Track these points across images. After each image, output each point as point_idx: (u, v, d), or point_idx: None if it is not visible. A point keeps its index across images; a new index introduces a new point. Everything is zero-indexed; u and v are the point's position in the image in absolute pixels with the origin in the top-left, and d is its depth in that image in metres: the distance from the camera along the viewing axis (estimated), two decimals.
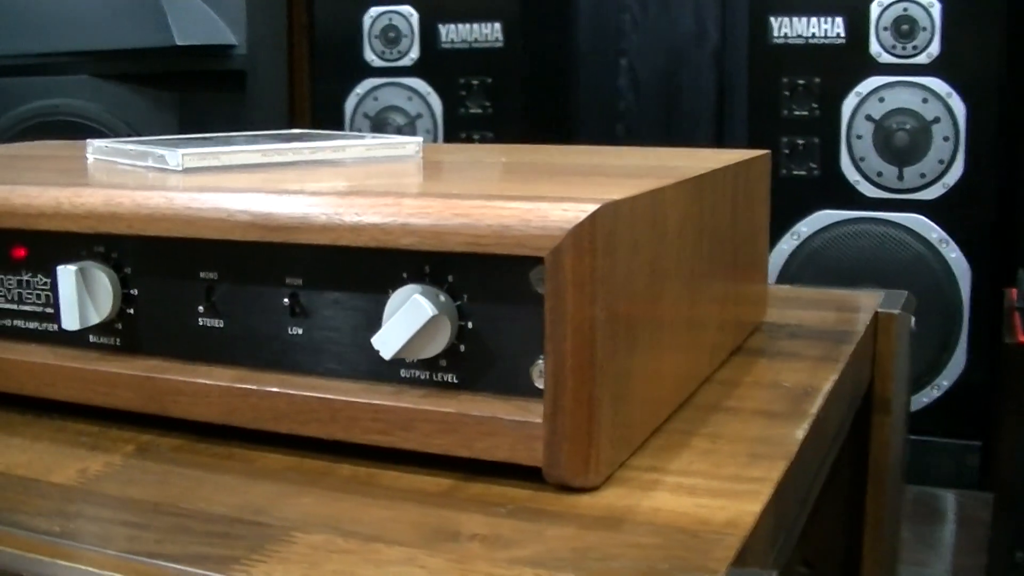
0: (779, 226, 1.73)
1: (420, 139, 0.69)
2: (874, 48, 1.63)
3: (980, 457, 1.70)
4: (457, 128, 1.95)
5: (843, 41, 1.63)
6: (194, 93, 2.02)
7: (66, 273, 0.54)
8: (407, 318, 0.48)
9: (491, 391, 0.49)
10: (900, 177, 1.63)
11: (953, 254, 1.63)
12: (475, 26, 1.94)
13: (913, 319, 0.81)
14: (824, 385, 0.61)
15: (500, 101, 1.94)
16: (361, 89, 2.00)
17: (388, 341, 0.48)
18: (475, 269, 0.48)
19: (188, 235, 0.51)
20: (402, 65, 1.98)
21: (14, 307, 0.58)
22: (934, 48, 1.59)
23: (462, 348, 0.49)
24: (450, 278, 0.49)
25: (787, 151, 1.69)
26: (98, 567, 0.40)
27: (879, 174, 1.65)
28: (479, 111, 1.94)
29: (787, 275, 1.74)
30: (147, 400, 0.53)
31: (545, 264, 0.45)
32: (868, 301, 0.82)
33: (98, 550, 0.41)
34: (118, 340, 0.56)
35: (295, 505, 0.46)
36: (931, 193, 1.63)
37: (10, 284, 0.58)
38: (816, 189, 1.69)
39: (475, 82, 1.94)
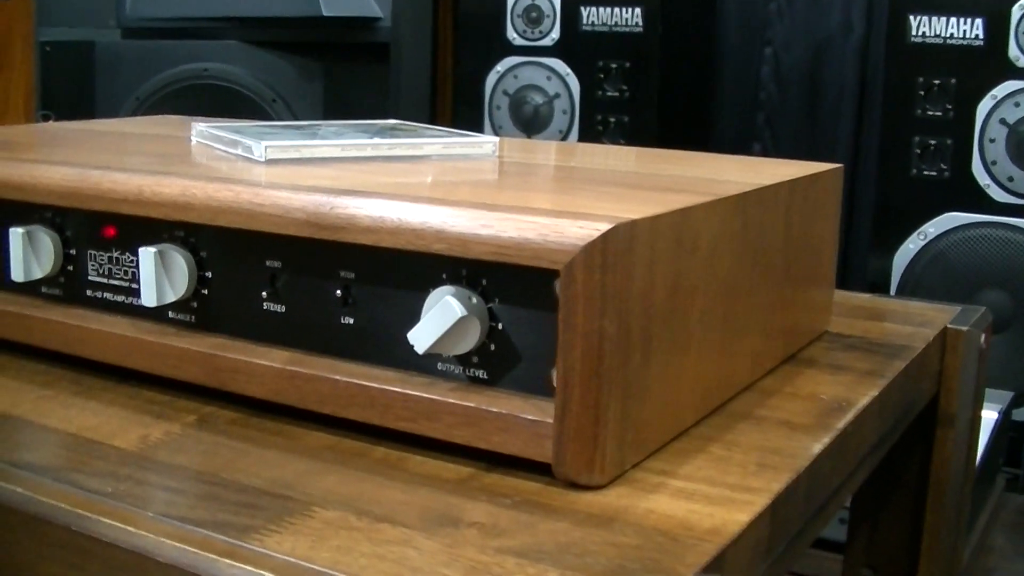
0: (906, 226, 1.71)
1: (496, 139, 0.73)
2: (1013, 52, 1.59)
3: None
4: (594, 110, 1.98)
5: (981, 43, 1.60)
6: (339, 63, 2.10)
7: (147, 254, 0.60)
8: (439, 317, 0.52)
9: (515, 388, 0.53)
10: None
11: None
12: (616, 10, 1.96)
13: (983, 336, 0.81)
14: (860, 400, 0.63)
15: (637, 85, 1.95)
16: (502, 67, 2.04)
17: (421, 337, 0.52)
18: (505, 275, 0.51)
19: (251, 227, 0.56)
20: (543, 45, 2.02)
21: (104, 280, 0.64)
22: None
23: (492, 347, 0.53)
24: (483, 281, 0.52)
25: (919, 151, 1.67)
26: (131, 526, 0.45)
27: (1010, 179, 1.62)
28: (616, 94, 1.97)
29: (912, 275, 1.72)
30: (210, 375, 0.59)
31: (560, 276, 0.48)
32: (940, 316, 0.82)
33: (135, 511, 0.47)
34: (192, 317, 0.62)
35: (321, 482, 0.50)
36: None
37: (101, 260, 0.64)
38: (945, 191, 1.66)
39: (613, 65, 1.96)
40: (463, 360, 0.54)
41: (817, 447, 0.56)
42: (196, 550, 0.44)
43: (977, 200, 1.63)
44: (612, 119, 1.97)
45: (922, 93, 1.65)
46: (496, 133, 2.06)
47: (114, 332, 0.62)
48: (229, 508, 0.47)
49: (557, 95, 2.01)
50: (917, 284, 1.71)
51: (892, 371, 0.69)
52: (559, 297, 0.49)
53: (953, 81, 1.63)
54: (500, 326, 0.53)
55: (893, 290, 1.74)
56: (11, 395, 0.60)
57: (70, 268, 0.66)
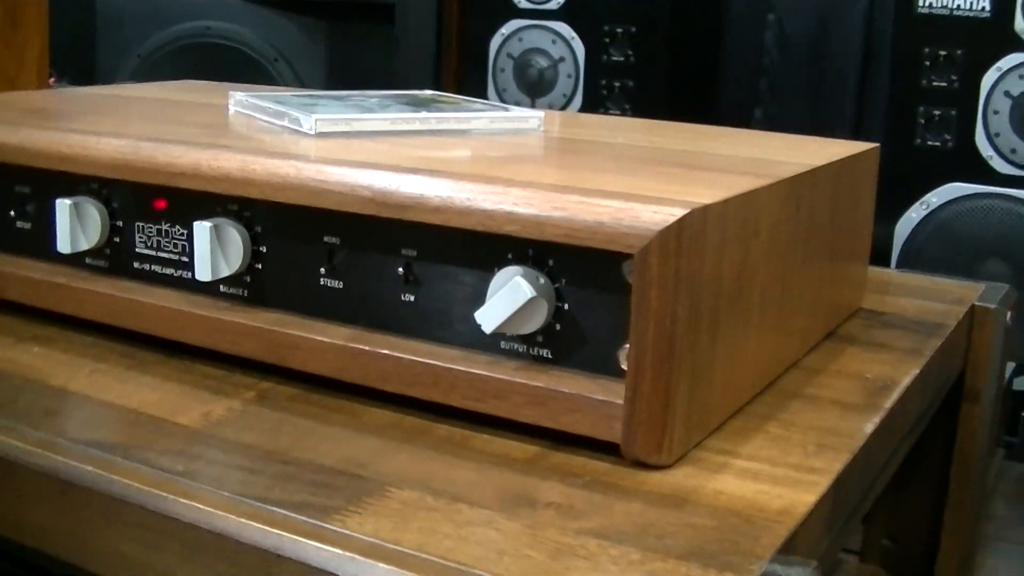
0: (909, 195, 1.72)
1: (542, 113, 0.73)
2: (1019, 24, 1.59)
3: None
4: (598, 75, 1.97)
5: (988, 15, 1.60)
6: (343, 23, 2.08)
7: (201, 228, 0.60)
8: (508, 297, 0.52)
9: (581, 368, 0.53)
10: None
11: None
12: None
13: (1010, 314, 0.82)
14: (904, 379, 0.64)
15: (643, 50, 1.95)
16: (507, 29, 2.03)
17: (489, 317, 0.52)
18: (573, 256, 0.52)
19: (313, 204, 0.56)
20: (548, 8, 2.01)
21: (152, 253, 0.64)
22: None
23: (557, 327, 0.53)
24: (550, 262, 0.53)
25: (923, 120, 1.67)
26: (211, 506, 0.46)
27: (1013, 151, 1.63)
28: (621, 59, 1.96)
29: (914, 243, 1.73)
30: (268, 350, 0.59)
31: (634, 261, 0.48)
32: (967, 293, 0.83)
33: (213, 491, 0.47)
34: (245, 292, 0.62)
35: (392, 461, 0.51)
36: None
37: (150, 232, 0.64)
38: (949, 161, 1.67)
39: (619, 30, 1.95)
40: (527, 339, 0.54)
41: (869, 427, 0.57)
42: (280, 531, 0.44)
43: (980, 171, 1.64)
44: (617, 84, 1.97)
45: (928, 64, 1.65)
46: (500, 96, 2.05)
47: (167, 306, 0.62)
48: (306, 488, 0.48)
49: (562, 59, 2.00)
50: (919, 253, 1.72)
51: (930, 349, 0.70)
52: (632, 281, 0.49)
53: (959, 52, 1.63)
54: (566, 306, 0.53)
55: (894, 259, 1.75)
56: (65, 369, 0.60)
57: (116, 240, 0.65)
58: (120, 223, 0.65)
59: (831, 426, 0.57)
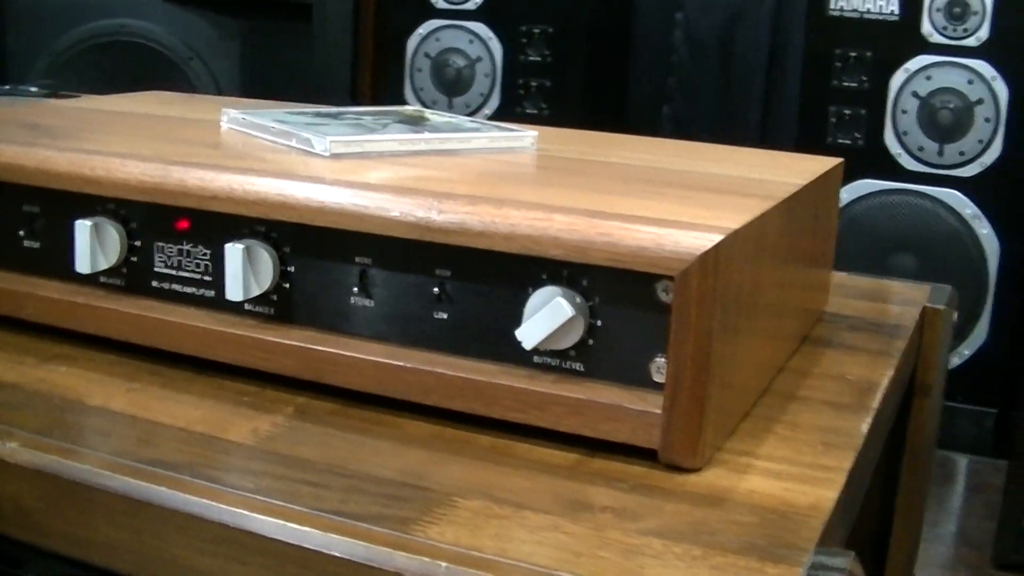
0: None
1: (535, 132, 0.77)
2: (926, 28, 1.68)
3: (995, 424, 1.79)
4: (516, 75, 2.01)
5: (897, 18, 1.69)
6: (259, 21, 2.08)
7: (234, 251, 0.62)
8: (549, 316, 0.56)
9: (612, 380, 0.57)
10: (940, 153, 1.70)
11: (984, 230, 1.70)
12: None
13: (955, 314, 0.89)
14: (882, 380, 0.69)
15: (560, 50, 1.99)
16: (424, 29, 2.05)
17: (530, 335, 0.56)
18: (608, 276, 0.56)
19: (354, 229, 0.59)
20: (466, 8, 2.04)
21: (172, 272, 0.66)
22: (983, 32, 1.65)
23: (590, 342, 0.57)
24: (584, 282, 0.56)
25: (834, 120, 1.75)
26: (295, 522, 0.48)
27: (920, 149, 1.72)
28: (539, 59, 2.00)
29: None
30: (305, 367, 0.62)
31: (675, 282, 0.53)
32: (915, 294, 0.90)
33: (290, 506, 0.50)
34: (272, 310, 0.64)
35: (447, 472, 0.54)
36: (969, 171, 1.70)
37: (170, 252, 0.66)
38: (859, 159, 1.75)
39: (536, 30, 1.99)
40: (560, 354, 0.58)
41: (865, 426, 0.62)
42: (368, 543, 0.47)
43: (889, 168, 1.73)
44: (534, 83, 2.01)
45: (839, 65, 1.73)
46: (417, 95, 2.08)
47: (196, 324, 0.64)
48: (378, 500, 0.51)
49: (479, 59, 2.03)
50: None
51: (897, 351, 0.76)
52: (672, 300, 0.53)
53: (869, 54, 1.72)
54: (599, 323, 0.57)
55: None
56: (100, 388, 0.62)
57: (134, 259, 0.67)
58: (138, 243, 0.67)
59: (831, 426, 0.62)
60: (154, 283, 0.67)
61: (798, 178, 0.69)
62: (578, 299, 0.56)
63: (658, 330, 0.55)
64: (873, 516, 0.93)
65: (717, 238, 0.52)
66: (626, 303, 0.56)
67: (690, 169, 0.72)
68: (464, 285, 0.59)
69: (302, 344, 0.62)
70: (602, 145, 0.81)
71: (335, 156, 0.68)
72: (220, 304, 0.65)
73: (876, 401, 0.66)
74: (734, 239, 0.54)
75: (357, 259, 0.61)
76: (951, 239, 1.72)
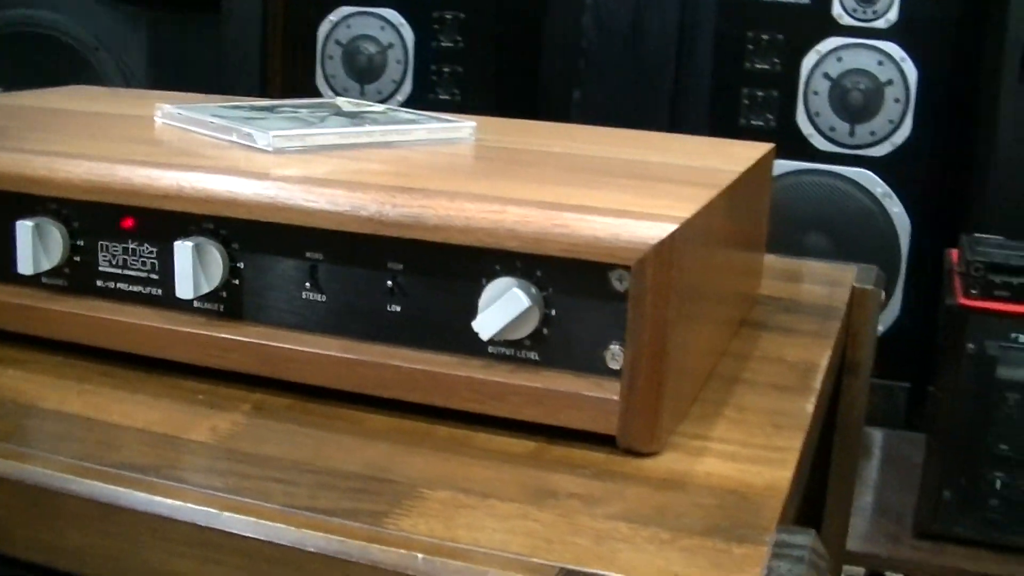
0: None
1: (473, 123, 0.77)
2: (836, 10, 1.72)
3: (908, 398, 1.84)
4: (428, 61, 2.01)
5: (808, 1, 1.72)
6: (166, 12, 2.05)
7: (183, 249, 0.61)
8: (505, 308, 0.56)
9: (567, 368, 0.58)
10: (851, 133, 1.74)
11: (896, 209, 1.75)
12: None
13: (883, 293, 0.92)
14: (822, 361, 0.72)
15: (471, 36, 2.00)
16: (335, 16, 2.04)
17: (487, 325, 0.57)
18: (562, 266, 0.56)
19: (305, 224, 0.59)
20: None
21: (117, 271, 0.66)
22: (892, 15, 1.70)
23: (545, 331, 0.58)
24: (538, 272, 0.57)
25: (747, 102, 1.79)
26: (269, 519, 0.49)
27: (832, 129, 1.76)
28: (451, 45, 2.00)
29: None
30: (260, 363, 0.62)
31: (631, 271, 0.54)
32: (842, 275, 0.92)
33: (262, 504, 0.50)
34: (222, 307, 0.64)
35: (411, 464, 0.55)
36: (879, 151, 1.74)
37: (115, 251, 0.66)
38: (771, 140, 1.78)
39: (448, 16, 1.99)
40: (515, 344, 0.59)
41: (810, 406, 0.64)
42: (342, 537, 0.48)
43: (801, 149, 1.77)
44: (447, 69, 2.01)
45: (751, 47, 1.77)
46: (329, 83, 2.07)
47: (146, 324, 0.63)
48: (347, 495, 0.51)
49: (391, 45, 2.03)
50: None
51: (832, 331, 0.78)
52: (629, 290, 0.54)
53: (780, 36, 1.75)
54: (554, 312, 0.58)
55: None
56: (52, 391, 0.61)
57: (77, 259, 0.66)
58: (82, 242, 0.66)
59: (778, 408, 0.64)
60: (99, 282, 0.66)
61: (737, 165, 0.71)
62: (533, 289, 0.57)
63: (613, 318, 0.56)
64: (806, 492, 0.96)
65: (672, 227, 0.54)
66: (581, 292, 0.57)
67: (634, 158, 0.73)
68: (417, 278, 0.60)
69: (255, 340, 0.62)
70: (541, 135, 0.82)
71: (278, 151, 0.68)
72: (169, 302, 0.64)
73: (818, 382, 0.68)
74: (687, 228, 0.55)
75: (307, 254, 0.62)
76: (864, 218, 1.77)
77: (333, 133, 0.71)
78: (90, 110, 0.85)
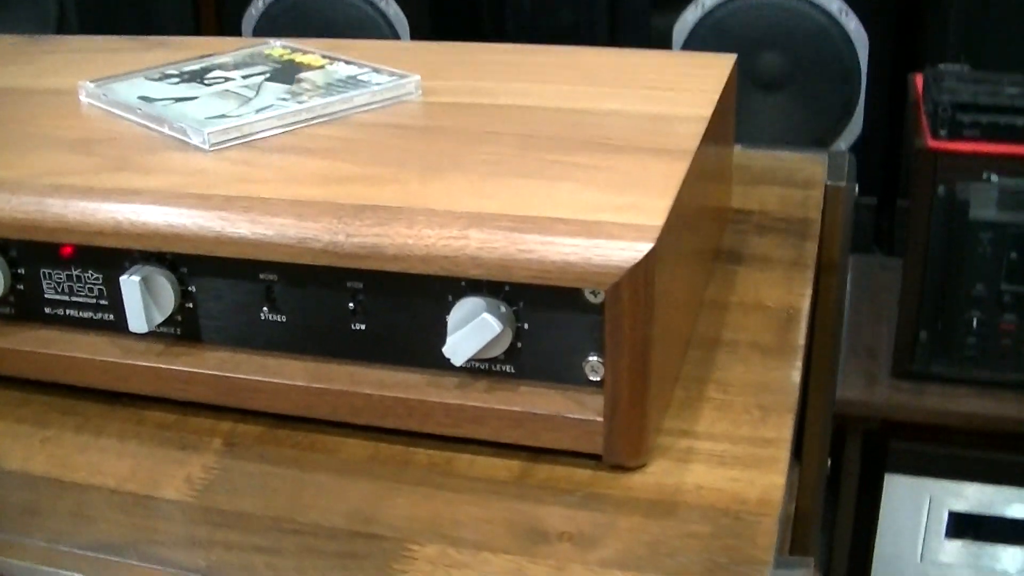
0: None
1: (417, 77, 0.72)
2: None
3: (875, 213, 1.83)
4: None
5: None
6: None
7: (130, 284, 0.58)
8: (476, 333, 0.54)
9: (545, 380, 0.56)
10: None
11: (852, 25, 1.69)
12: None
13: (856, 187, 0.89)
14: (803, 304, 0.70)
15: None
16: None
17: (458, 352, 0.54)
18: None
19: (255, 257, 0.56)
20: None
21: (65, 298, 0.62)
22: None
23: (519, 345, 0.56)
24: (507, 287, 0.54)
25: None
26: None
27: None
28: None
29: (693, 44, 1.79)
30: (224, 395, 0.59)
31: (606, 295, 0.51)
32: (813, 169, 0.89)
33: None
34: (178, 330, 0.61)
35: (395, 509, 0.53)
36: None
37: (59, 278, 0.62)
38: None
39: None
40: (488, 359, 0.56)
41: (795, 375, 0.63)
42: None
43: None
44: None
45: None
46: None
47: (105, 359, 0.61)
48: (334, 562, 0.50)
49: None
50: (698, 51, 1.78)
51: (809, 257, 0.76)
52: (605, 313, 0.52)
53: None
54: (526, 326, 0.55)
55: None
56: (13, 443, 0.59)
57: (20, 287, 0.63)
58: (23, 271, 0.62)
59: (762, 381, 0.62)
60: (47, 309, 0.63)
61: (704, 102, 0.67)
62: (503, 308, 0.55)
63: (589, 330, 0.54)
64: None
65: (646, 247, 0.51)
66: (553, 306, 0.54)
67: (590, 108, 0.68)
68: (379, 297, 0.57)
69: (217, 372, 0.59)
70: (486, 73, 0.77)
71: (215, 147, 0.64)
72: (122, 327, 0.61)
73: (801, 336, 0.66)
74: (662, 240, 0.52)
75: (261, 276, 0.58)
76: (820, 35, 1.71)
77: (271, 117, 0.66)
78: (5, 85, 0.79)
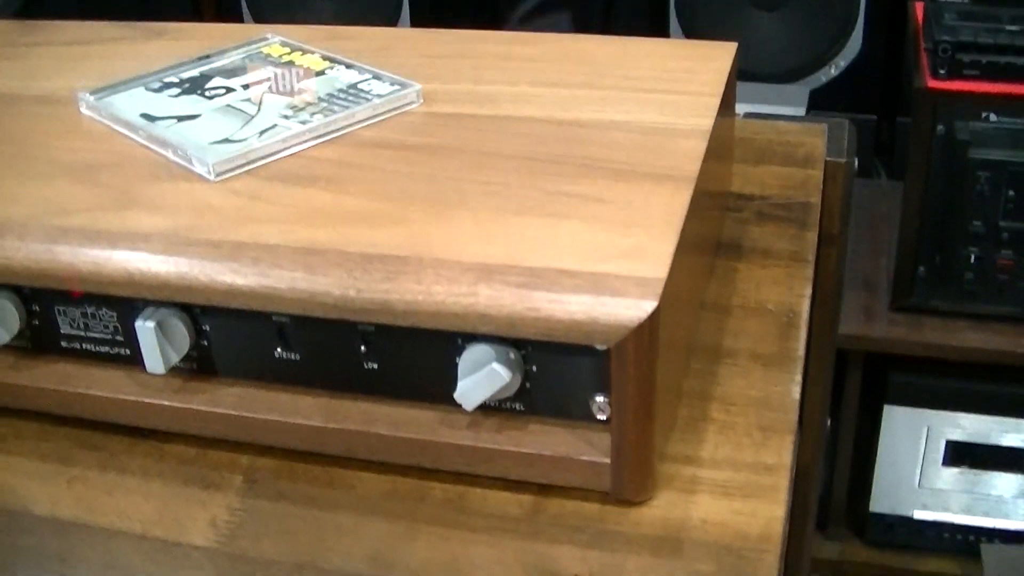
0: None
1: (419, 86, 0.72)
2: None
3: (875, 131, 1.83)
4: None
5: None
6: None
7: (145, 329, 0.59)
8: (486, 381, 0.55)
9: (553, 417, 0.58)
10: None
11: None
12: None
13: (856, 161, 0.90)
14: (802, 307, 0.71)
15: None
16: None
17: (468, 398, 0.56)
18: None
19: (268, 309, 0.57)
20: None
21: (81, 333, 0.64)
22: None
23: (528, 385, 0.57)
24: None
25: None
26: None
27: None
28: None
29: None
30: (242, 432, 0.61)
31: (612, 351, 0.52)
32: (812, 143, 0.90)
33: None
34: (194, 364, 0.62)
35: (414, 552, 0.55)
36: None
37: (73, 315, 0.63)
38: None
39: None
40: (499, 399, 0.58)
41: (795, 390, 0.64)
42: None
43: None
44: None
45: None
46: None
47: (123, 397, 0.62)
48: None
49: None
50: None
51: (810, 247, 0.77)
52: (611, 367, 0.53)
53: None
54: (535, 368, 0.57)
55: None
56: (40, 486, 0.61)
57: (35, 322, 0.64)
58: (37, 307, 0.64)
59: (763, 396, 0.64)
60: (64, 343, 0.64)
61: (706, 109, 0.67)
62: (512, 354, 0.56)
63: (595, 372, 0.56)
64: None
65: (651, 306, 0.52)
66: (561, 351, 0.56)
67: (590, 119, 0.69)
68: (391, 339, 0.58)
69: (235, 412, 0.61)
70: (484, 73, 0.77)
71: (220, 176, 0.64)
72: (138, 361, 0.63)
73: (801, 345, 0.68)
74: (666, 290, 0.53)
75: (274, 317, 0.60)
76: None
77: (275, 142, 0.67)
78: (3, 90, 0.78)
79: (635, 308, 0.52)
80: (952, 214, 1.31)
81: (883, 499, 1.52)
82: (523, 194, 0.61)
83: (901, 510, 1.53)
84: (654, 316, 0.52)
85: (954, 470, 1.47)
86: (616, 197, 0.60)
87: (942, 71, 1.26)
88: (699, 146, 0.64)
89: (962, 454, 1.47)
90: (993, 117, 1.26)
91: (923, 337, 1.37)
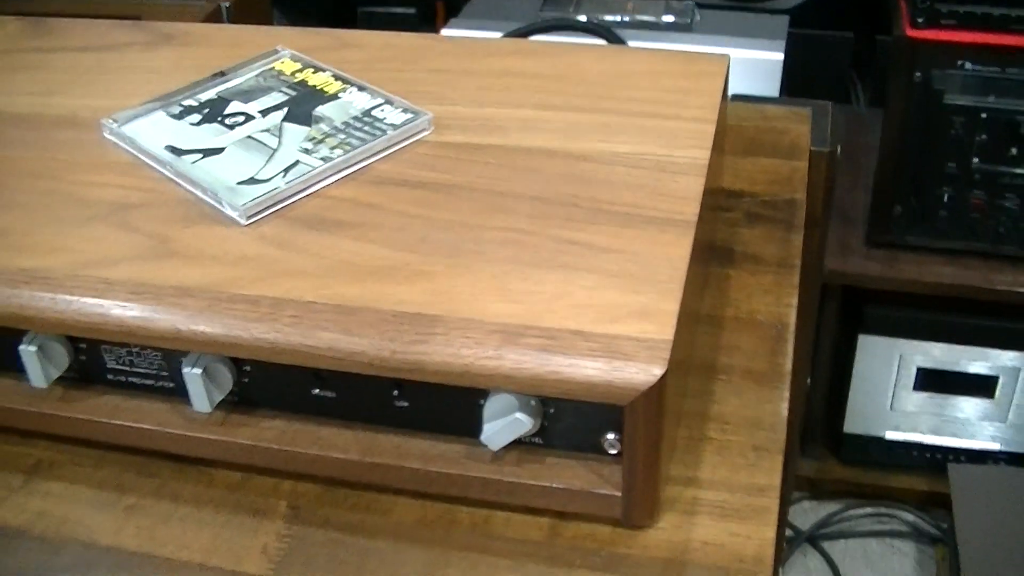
0: None
1: (430, 115, 0.77)
2: None
3: (853, 51, 1.86)
4: None
5: None
6: None
7: (192, 376, 0.65)
8: (510, 427, 0.61)
9: (568, 449, 0.64)
10: None
11: None
12: None
13: (840, 148, 0.94)
14: (790, 319, 0.77)
15: None
16: None
17: (493, 441, 0.62)
18: None
19: (307, 365, 0.62)
20: None
21: (127, 368, 0.69)
22: None
23: (546, 424, 0.63)
24: None
25: None
26: None
27: None
28: None
29: None
30: (284, 463, 0.67)
31: (625, 411, 0.58)
32: (798, 131, 0.94)
33: None
34: (236, 398, 0.68)
35: None
36: None
37: (118, 354, 0.69)
38: None
39: None
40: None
41: (783, 407, 0.71)
42: None
43: None
44: None
45: None
46: None
47: (168, 431, 0.68)
48: None
49: None
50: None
51: (796, 251, 0.82)
52: (624, 422, 0.59)
53: None
54: (552, 410, 0.63)
55: None
56: (101, 515, 0.66)
57: (83, 358, 0.69)
58: (84, 345, 0.69)
59: (755, 415, 0.70)
60: (110, 376, 0.70)
61: (702, 137, 0.72)
62: (533, 401, 0.62)
63: (607, 415, 0.62)
64: None
65: (660, 371, 0.58)
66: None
67: (594, 152, 0.73)
68: (420, 385, 0.64)
69: (276, 446, 0.66)
70: (490, 94, 0.80)
71: (250, 221, 0.69)
72: (182, 394, 0.68)
73: (788, 361, 0.74)
74: (673, 353, 0.59)
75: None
76: None
77: (299, 181, 0.71)
78: (16, 111, 0.81)
79: (645, 373, 0.58)
80: (928, 156, 1.36)
81: (857, 420, 1.61)
82: (536, 243, 0.66)
83: (874, 431, 1.62)
84: (662, 379, 0.58)
85: (923, 394, 1.56)
86: (623, 246, 0.65)
87: (920, 20, 1.29)
88: (697, 185, 0.69)
89: (931, 380, 1.55)
90: (968, 65, 1.30)
91: (898, 272, 1.44)
